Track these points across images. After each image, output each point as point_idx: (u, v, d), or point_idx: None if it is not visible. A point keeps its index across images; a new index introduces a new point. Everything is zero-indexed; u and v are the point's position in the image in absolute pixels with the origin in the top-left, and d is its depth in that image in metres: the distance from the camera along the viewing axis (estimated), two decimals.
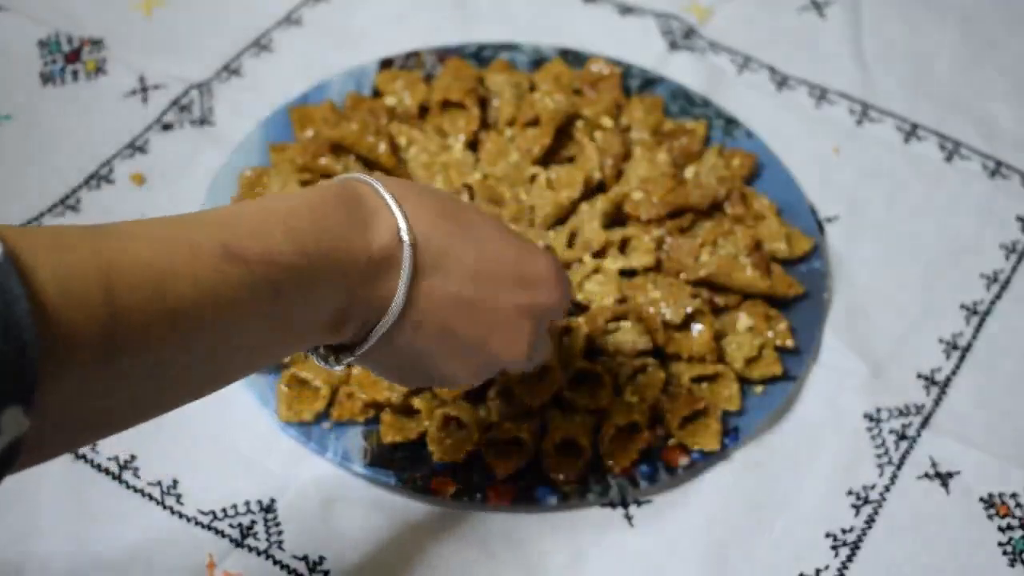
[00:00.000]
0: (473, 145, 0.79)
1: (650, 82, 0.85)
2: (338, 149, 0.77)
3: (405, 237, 0.48)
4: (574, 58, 0.86)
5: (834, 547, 0.65)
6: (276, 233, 0.45)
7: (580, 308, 0.72)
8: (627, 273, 0.73)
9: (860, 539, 0.65)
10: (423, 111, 0.81)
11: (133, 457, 0.66)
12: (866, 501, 0.67)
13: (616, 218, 0.76)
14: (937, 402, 0.71)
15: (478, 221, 0.53)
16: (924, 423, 0.70)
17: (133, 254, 0.40)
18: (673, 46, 0.89)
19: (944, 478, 0.68)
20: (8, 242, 0.36)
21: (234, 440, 0.67)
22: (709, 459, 0.67)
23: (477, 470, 0.66)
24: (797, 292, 0.73)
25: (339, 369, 0.51)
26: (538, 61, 0.86)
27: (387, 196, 0.49)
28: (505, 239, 0.53)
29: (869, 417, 0.70)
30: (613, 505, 0.66)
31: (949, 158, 0.84)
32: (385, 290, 0.48)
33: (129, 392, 0.41)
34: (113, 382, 0.40)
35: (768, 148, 0.81)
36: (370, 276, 0.48)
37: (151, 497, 0.65)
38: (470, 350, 0.53)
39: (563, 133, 0.79)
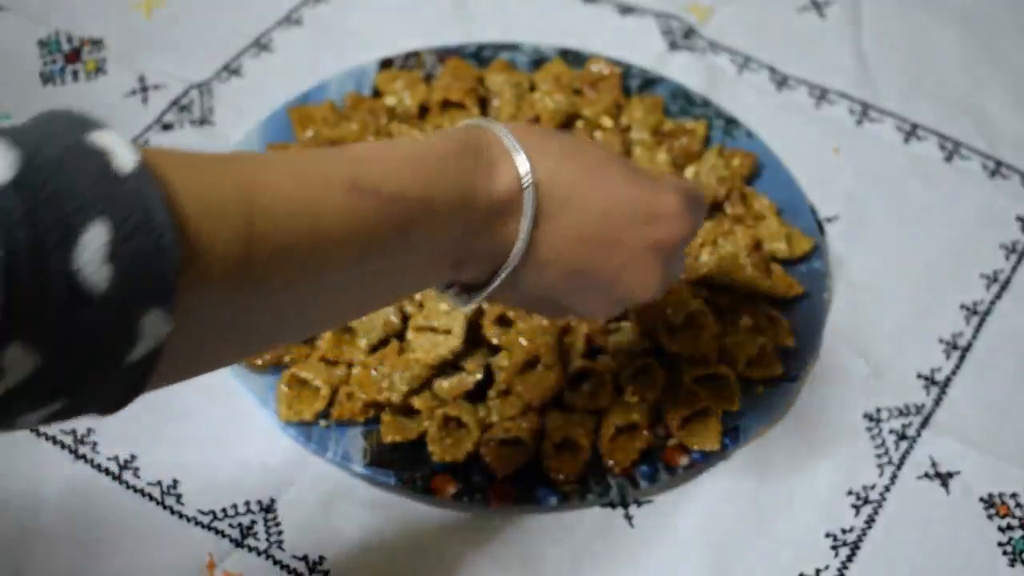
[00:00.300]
0: None
1: (650, 82, 0.85)
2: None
3: (527, 181, 0.48)
4: (574, 58, 0.86)
5: (834, 547, 0.65)
6: (403, 172, 0.45)
7: None
8: None
9: (860, 539, 0.65)
10: (423, 111, 0.81)
11: (133, 457, 0.66)
12: (866, 501, 0.67)
13: None
14: (937, 402, 0.71)
15: (604, 161, 0.52)
16: (924, 423, 0.70)
17: (269, 182, 0.41)
18: (673, 46, 0.89)
19: (944, 478, 0.68)
20: (144, 155, 0.37)
21: (234, 440, 0.67)
22: (709, 459, 0.67)
23: (477, 470, 0.66)
24: (797, 292, 0.73)
25: (469, 308, 0.52)
26: (538, 61, 0.86)
27: (511, 141, 0.49)
28: (631, 178, 0.53)
29: (869, 417, 0.70)
30: (613, 505, 0.66)
31: (949, 158, 0.84)
32: (507, 233, 0.49)
33: (261, 316, 0.42)
34: (247, 304, 0.41)
35: (768, 148, 0.81)
36: (492, 219, 0.48)
37: (151, 497, 0.65)
38: (600, 288, 0.53)
39: None
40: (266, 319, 0.43)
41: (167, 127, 0.82)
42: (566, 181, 0.50)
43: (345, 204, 0.43)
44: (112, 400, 0.39)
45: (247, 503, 0.65)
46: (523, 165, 0.48)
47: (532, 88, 0.82)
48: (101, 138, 0.36)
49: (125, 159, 0.36)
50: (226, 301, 0.40)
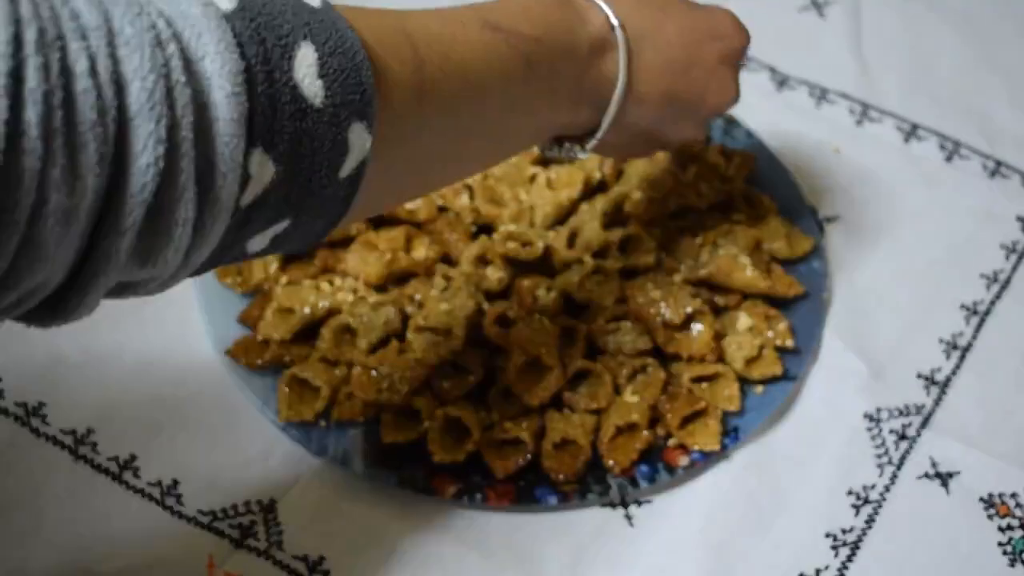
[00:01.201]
0: None
1: None
2: None
3: (615, 22, 0.56)
4: None
5: (834, 547, 0.65)
6: (519, 16, 0.52)
7: (580, 308, 0.72)
8: (627, 273, 0.73)
9: (860, 539, 0.65)
10: None
11: (133, 457, 0.66)
12: (866, 501, 0.67)
13: (616, 218, 0.76)
14: (937, 402, 0.71)
15: None
16: (924, 423, 0.70)
17: (419, 22, 0.48)
18: None
19: (944, 478, 0.68)
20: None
21: (234, 440, 0.67)
22: (709, 459, 0.67)
23: (477, 470, 0.66)
24: (797, 292, 0.73)
25: (584, 156, 0.60)
26: None
27: None
28: (690, 7, 0.63)
29: (869, 417, 0.70)
30: (613, 505, 0.66)
31: (949, 158, 0.84)
32: (608, 69, 0.57)
33: (435, 142, 0.49)
34: (424, 128, 0.47)
35: (768, 148, 0.81)
36: (593, 57, 0.56)
37: (151, 497, 0.65)
38: (690, 107, 0.62)
39: None
40: (439, 146, 0.50)
41: None
42: (644, 18, 0.58)
43: (480, 37, 0.50)
44: (329, 214, 0.44)
45: (247, 503, 0.65)
46: (608, 9, 0.56)
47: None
48: None
49: None
50: (408, 123, 0.46)
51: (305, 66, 0.39)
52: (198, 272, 0.42)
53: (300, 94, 0.39)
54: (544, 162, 0.78)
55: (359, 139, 0.42)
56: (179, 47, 0.36)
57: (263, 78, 0.38)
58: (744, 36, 0.65)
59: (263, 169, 0.39)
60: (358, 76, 0.41)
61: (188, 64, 0.36)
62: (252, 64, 0.38)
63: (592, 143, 0.59)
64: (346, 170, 0.42)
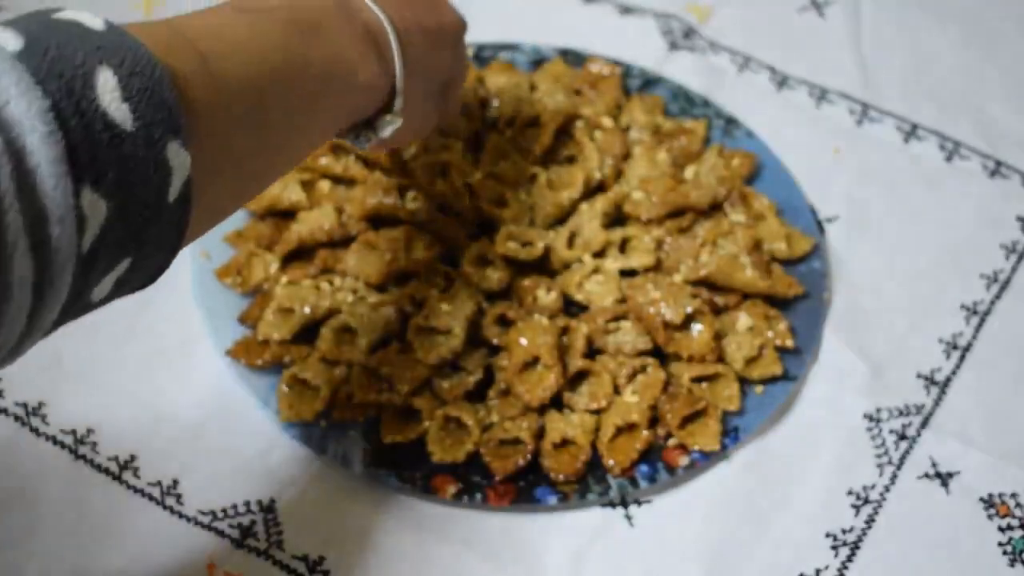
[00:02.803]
0: (473, 145, 0.79)
1: (650, 82, 0.85)
2: (338, 149, 0.77)
3: (386, 24, 0.56)
4: (574, 58, 0.86)
5: (834, 547, 0.65)
6: (267, 2, 0.51)
7: (580, 308, 0.72)
8: (627, 273, 0.73)
9: (860, 539, 0.65)
10: None
11: (133, 457, 0.66)
12: (866, 501, 0.67)
13: (616, 218, 0.76)
14: (937, 402, 0.71)
15: None
16: (924, 423, 0.70)
17: (187, 22, 0.46)
18: (673, 46, 0.89)
19: (944, 478, 0.68)
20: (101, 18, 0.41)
21: (234, 440, 0.67)
22: (709, 459, 0.67)
23: (477, 470, 0.66)
24: (797, 292, 0.73)
25: (393, 126, 0.59)
26: (538, 61, 0.86)
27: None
28: None
29: (869, 417, 0.70)
30: (613, 505, 0.66)
31: (949, 158, 0.84)
32: (372, 21, 0.56)
33: (250, 135, 0.47)
34: (232, 126, 0.46)
35: (768, 148, 0.81)
36: (368, 39, 0.55)
37: (151, 497, 0.65)
38: (437, 33, 0.62)
39: (563, 133, 0.79)
40: (256, 137, 0.48)
41: None
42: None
43: (239, 19, 0.48)
44: (164, 251, 0.42)
45: (247, 503, 0.65)
46: (376, 9, 0.56)
47: (532, 88, 0.82)
48: (65, 14, 0.40)
49: (94, 20, 0.40)
50: (216, 125, 0.44)
51: (109, 90, 0.38)
52: (45, 335, 0.39)
53: (111, 121, 0.38)
54: (544, 162, 0.78)
55: (177, 157, 0.40)
56: None
57: (72, 111, 0.36)
58: (461, 21, 0.66)
59: (96, 207, 0.37)
60: (161, 92, 0.40)
61: None
62: (57, 100, 0.36)
63: (398, 105, 0.58)
64: (173, 192, 0.41)
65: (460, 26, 0.66)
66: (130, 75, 0.39)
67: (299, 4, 0.52)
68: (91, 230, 0.37)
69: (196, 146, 0.42)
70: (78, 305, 0.40)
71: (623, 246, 0.74)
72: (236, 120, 0.46)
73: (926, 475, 0.68)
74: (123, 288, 0.42)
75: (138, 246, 0.40)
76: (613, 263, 0.73)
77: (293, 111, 0.51)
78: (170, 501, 0.65)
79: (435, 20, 0.62)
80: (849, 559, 0.65)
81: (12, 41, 0.36)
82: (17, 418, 0.67)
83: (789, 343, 0.71)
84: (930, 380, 0.72)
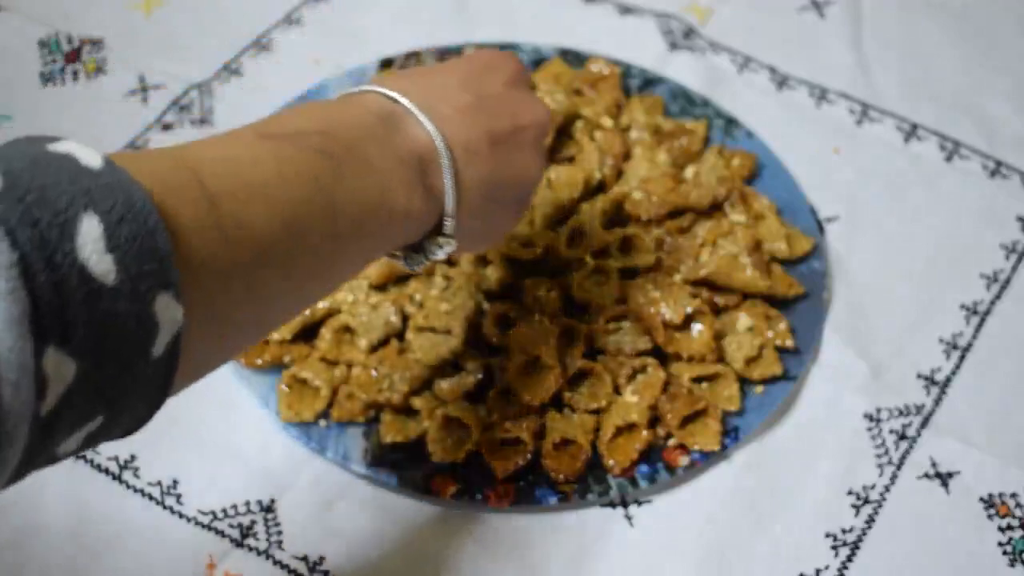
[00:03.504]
0: None
1: (650, 82, 0.85)
2: None
3: (438, 142, 0.51)
4: (574, 58, 0.86)
5: (834, 547, 0.65)
6: (294, 118, 0.48)
7: (580, 308, 0.72)
8: (627, 273, 0.73)
9: (860, 539, 0.65)
10: None
11: (133, 457, 0.66)
12: (866, 501, 0.67)
13: (616, 218, 0.76)
14: (937, 402, 0.71)
15: (456, 86, 0.55)
16: (924, 423, 0.70)
17: (201, 153, 0.42)
18: (673, 46, 0.89)
19: (944, 478, 0.68)
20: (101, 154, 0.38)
21: (234, 440, 0.67)
22: (709, 459, 0.67)
23: (477, 470, 0.66)
24: (797, 292, 0.73)
25: (444, 252, 0.53)
26: (538, 61, 0.86)
27: (406, 102, 0.51)
28: (488, 93, 0.55)
29: (869, 417, 0.70)
30: (613, 505, 0.66)
31: (949, 158, 0.84)
32: (436, 181, 0.51)
33: (259, 282, 0.43)
34: (236, 275, 0.41)
35: (768, 148, 0.81)
36: (397, 133, 0.50)
37: (151, 497, 0.65)
38: (511, 189, 0.56)
39: (563, 133, 0.79)
40: (266, 285, 0.44)
41: (167, 127, 0.82)
42: (459, 128, 0.52)
43: (264, 148, 0.44)
44: (145, 405, 0.39)
45: (247, 503, 0.65)
46: (429, 125, 0.50)
47: (532, 88, 0.82)
48: (61, 146, 0.37)
49: (91, 157, 0.37)
50: (220, 275, 0.40)
51: (91, 240, 0.34)
52: (8, 484, 0.36)
53: (88, 274, 0.34)
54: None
55: (167, 311, 0.37)
56: None
57: (43, 265, 0.33)
58: (545, 113, 0.58)
59: (61, 368, 0.34)
60: (153, 241, 0.36)
61: None
62: (27, 251, 0.33)
63: (448, 228, 0.52)
64: (159, 348, 0.37)
65: (542, 125, 0.57)
66: (119, 222, 0.35)
67: (335, 126, 0.48)
68: (54, 391, 0.34)
69: (191, 300, 0.38)
70: (40, 459, 0.36)
71: (623, 246, 0.74)
72: (243, 272, 0.42)
73: (926, 475, 0.68)
74: (96, 442, 0.39)
75: (112, 405, 0.37)
76: (613, 263, 0.73)
77: (312, 259, 0.46)
78: (170, 501, 0.65)
79: (509, 123, 0.55)
80: (849, 559, 0.65)
81: None
82: None
83: (789, 343, 0.71)
84: (930, 380, 0.72)
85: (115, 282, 0.35)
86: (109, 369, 0.36)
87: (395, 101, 0.50)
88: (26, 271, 0.32)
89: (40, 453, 0.36)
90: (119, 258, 0.35)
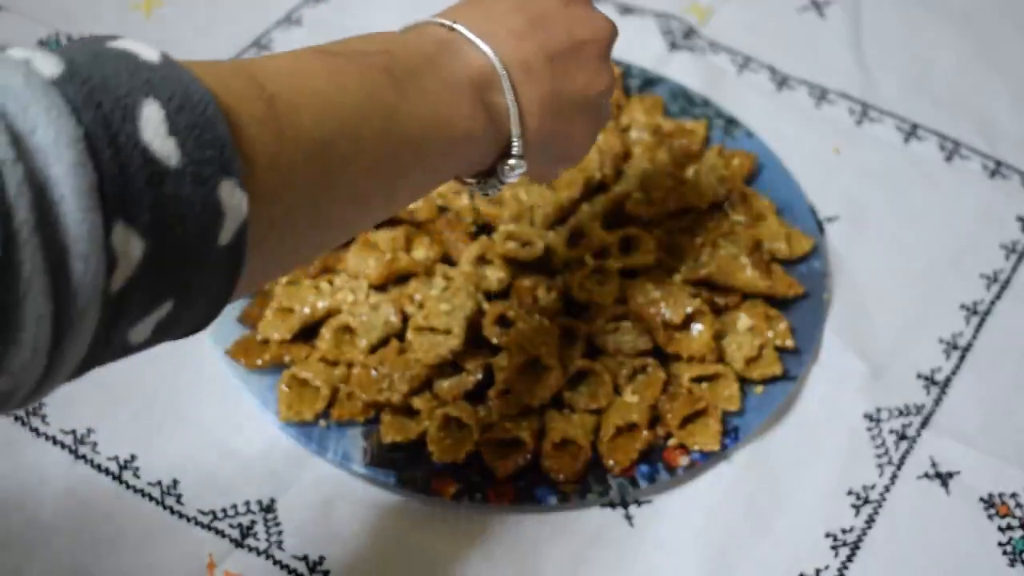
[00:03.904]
0: None
1: (650, 82, 0.85)
2: None
3: (497, 64, 0.51)
4: None
5: (834, 547, 0.65)
6: (356, 41, 0.49)
7: (580, 308, 0.72)
8: (627, 273, 0.73)
9: (860, 539, 0.65)
10: None
11: (133, 457, 0.66)
12: (866, 501, 0.67)
13: (616, 218, 0.76)
14: (937, 402, 0.71)
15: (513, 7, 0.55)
16: (924, 423, 0.70)
17: (262, 63, 0.43)
18: (673, 46, 0.89)
19: (944, 478, 0.68)
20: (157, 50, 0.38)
21: (234, 440, 0.67)
22: (709, 459, 0.67)
23: (477, 470, 0.66)
24: (797, 292, 0.73)
25: (514, 177, 0.54)
26: None
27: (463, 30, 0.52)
28: (557, 15, 0.56)
29: (869, 417, 0.70)
30: (613, 505, 0.66)
31: (949, 158, 0.84)
32: (497, 99, 0.52)
33: (317, 186, 0.43)
34: (297, 173, 0.42)
35: (768, 148, 0.81)
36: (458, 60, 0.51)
37: (151, 497, 0.65)
38: (578, 103, 0.56)
39: None
40: (324, 190, 0.44)
41: None
42: (513, 46, 0.53)
43: (324, 63, 0.45)
44: (213, 297, 0.39)
45: (247, 503, 0.65)
46: (485, 47, 0.51)
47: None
48: (121, 43, 0.38)
49: (149, 53, 0.38)
50: (280, 170, 0.41)
51: (153, 124, 0.35)
52: (77, 374, 0.37)
53: (152, 156, 0.35)
54: None
55: (232, 198, 0.37)
56: (3, 122, 0.32)
57: (107, 143, 0.34)
58: (608, 26, 0.58)
59: (130, 245, 0.34)
60: (213, 129, 0.37)
61: (17, 139, 0.32)
62: (91, 130, 0.33)
63: (516, 149, 0.53)
64: (226, 236, 0.37)
65: (602, 38, 0.57)
66: (179, 110, 0.36)
67: (393, 48, 0.49)
68: (123, 270, 0.34)
69: (254, 192, 0.39)
70: (112, 347, 0.37)
71: (623, 246, 0.74)
72: (304, 172, 0.42)
73: (926, 475, 0.68)
74: (166, 333, 0.39)
75: (181, 291, 0.37)
76: (613, 263, 0.73)
77: (373, 169, 0.46)
78: (170, 501, 0.65)
79: (567, 39, 0.55)
80: (849, 559, 0.65)
81: (51, 67, 0.34)
82: (17, 418, 0.67)
83: (789, 343, 0.71)
84: (930, 380, 0.72)
85: (178, 164, 0.35)
86: (176, 251, 0.36)
87: (451, 29, 0.51)
88: (91, 148, 0.33)
89: (113, 334, 0.36)
90: (181, 142, 0.36)
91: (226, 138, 0.37)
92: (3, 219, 0.30)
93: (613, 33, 0.58)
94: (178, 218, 0.36)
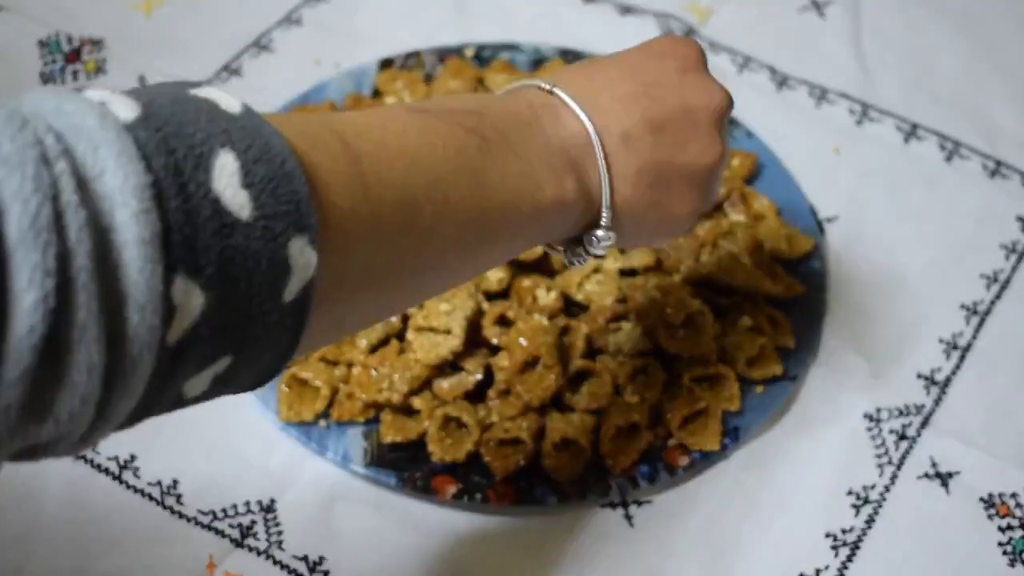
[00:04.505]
0: None
1: None
2: None
3: (591, 131, 0.50)
4: (574, 58, 0.86)
5: (834, 547, 0.65)
6: (446, 100, 0.48)
7: (580, 308, 0.72)
8: (627, 273, 0.73)
9: (860, 539, 0.65)
10: None
11: (133, 457, 0.66)
12: (866, 501, 0.67)
13: None
14: (937, 402, 0.71)
15: (623, 73, 0.53)
16: (924, 423, 0.70)
17: (348, 119, 0.43)
18: None
19: (944, 478, 0.68)
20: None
21: (234, 440, 0.67)
22: (709, 459, 0.67)
23: (477, 470, 0.66)
24: (797, 292, 0.73)
25: (603, 250, 0.52)
26: (538, 61, 0.86)
27: (563, 95, 0.50)
28: (667, 79, 0.53)
29: (869, 417, 0.70)
30: (613, 505, 0.66)
31: (949, 158, 0.84)
32: (590, 171, 0.50)
33: (395, 247, 0.42)
34: (376, 233, 0.41)
35: (768, 148, 0.81)
36: (569, 151, 0.49)
37: (151, 497, 0.65)
38: (680, 176, 0.53)
39: None
40: (401, 251, 0.43)
41: None
42: (620, 116, 0.51)
43: (412, 120, 0.44)
44: (273, 354, 0.38)
45: (247, 503, 0.65)
46: (581, 114, 0.50)
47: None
48: (203, 91, 0.37)
49: (231, 103, 0.37)
50: (357, 229, 0.40)
51: (227, 175, 0.35)
52: (127, 425, 0.36)
53: (223, 207, 0.34)
54: None
55: (301, 255, 0.36)
56: (71, 164, 0.31)
57: (176, 191, 0.33)
58: (723, 96, 0.55)
59: (190, 298, 0.33)
60: (290, 184, 0.36)
61: (83, 183, 0.31)
62: (161, 177, 0.33)
63: (604, 220, 0.51)
64: (290, 293, 0.37)
65: (717, 107, 0.54)
66: (255, 161, 0.35)
67: (488, 109, 0.48)
68: (181, 322, 0.34)
69: (328, 251, 0.38)
70: (166, 399, 0.36)
71: None
72: (385, 233, 0.41)
73: (926, 475, 0.68)
74: (224, 387, 0.38)
75: (241, 346, 0.36)
76: (613, 263, 0.73)
77: (457, 234, 0.45)
78: (170, 501, 0.65)
79: (677, 107, 0.52)
80: (849, 559, 0.65)
81: (127, 110, 0.34)
82: None
83: (789, 343, 0.71)
84: (930, 380, 0.72)
85: (249, 218, 0.35)
86: (238, 305, 0.35)
87: (550, 92, 0.50)
88: (159, 195, 0.32)
89: (168, 387, 0.35)
90: (254, 195, 0.35)
91: (303, 193, 0.36)
92: (61, 262, 0.30)
93: (728, 103, 0.55)
94: (244, 272, 0.35)
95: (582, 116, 0.50)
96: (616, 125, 0.50)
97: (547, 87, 0.50)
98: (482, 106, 0.48)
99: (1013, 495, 0.67)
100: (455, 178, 0.44)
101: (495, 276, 0.72)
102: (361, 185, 0.40)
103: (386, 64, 0.84)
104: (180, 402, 0.37)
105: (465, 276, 0.50)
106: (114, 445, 0.66)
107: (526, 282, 0.72)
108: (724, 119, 0.55)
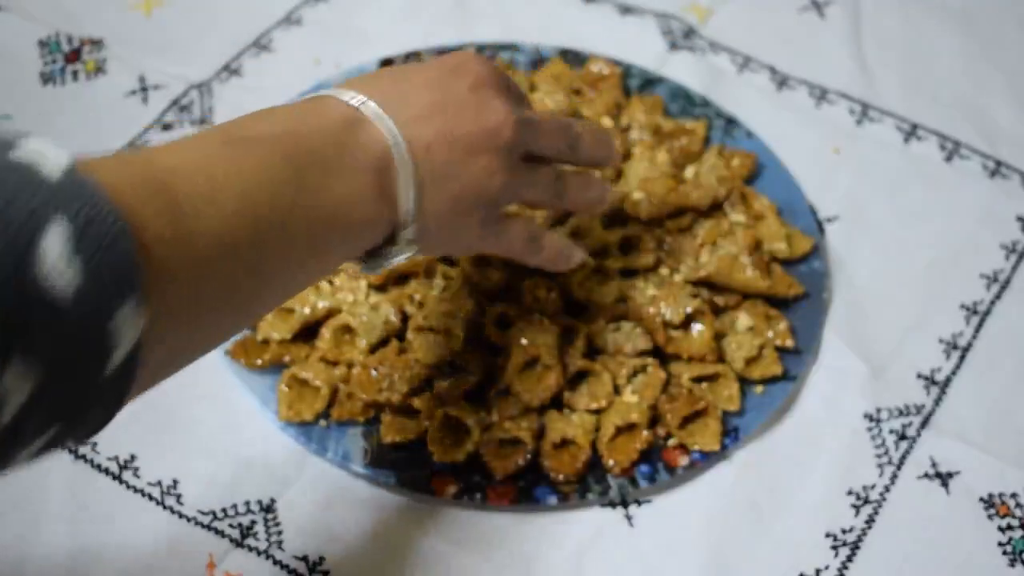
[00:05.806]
0: None
1: (650, 82, 0.85)
2: None
3: (396, 148, 0.52)
4: (574, 58, 0.86)
5: (834, 547, 0.65)
6: (262, 119, 0.50)
7: (580, 308, 0.72)
8: (627, 273, 0.73)
9: (860, 539, 0.65)
10: None
11: (133, 457, 0.66)
12: (866, 501, 0.67)
13: (616, 218, 0.76)
14: (937, 402, 0.71)
15: (423, 84, 0.55)
16: (924, 423, 0.70)
17: (158, 152, 0.44)
18: (673, 46, 0.89)
19: (944, 478, 0.68)
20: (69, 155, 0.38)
21: (234, 440, 0.67)
22: (709, 459, 0.67)
23: (477, 470, 0.66)
24: (797, 292, 0.73)
25: (404, 255, 0.54)
26: (538, 61, 0.86)
27: (369, 108, 0.52)
28: (466, 104, 0.55)
29: (869, 417, 0.70)
30: (613, 505, 0.66)
31: (949, 158, 0.84)
32: (393, 185, 0.52)
33: (222, 283, 0.44)
34: (202, 277, 0.43)
35: (768, 148, 0.81)
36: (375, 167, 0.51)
37: (151, 497, 0.65)
38: (470, 197, 0.56)
39: None
40: (230, 286, 0.45)
41: (167, 127, 0.82)
42: (421, 129, 0.53)
43: (224, 153, 0.46)
44: (101, 415, 0.40)
45: (247, 503, 0.65)
46: (387, 130, 0.52)
47: (532, 88, 0.82)
48: (25, 153, 0.37)
49: (56, 161, 0.37)
50: (183, 279, 0.41)
51: (56, 251, 0.35)
52: None
53: (50, 288, 0.34)
54: None
55: (126, 324, 0.37)
56: None
57: (3, 280, 0.33)
58: (502, 119, 0.56)
59: (22, 380, 0.34)
60: (119, 244, 0.37)
61: None
62: None
63: (411, 233, 0.53)
64: (117, 360, 0.37)
65: (500, 132, 0.56)
66: (88, 223, 0.36)
67: (298, 129, 0.49)
68: (10, 408, 0.34)
69: (155, 302, 0.39)
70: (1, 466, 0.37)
71: (623, 246, 0.74)
72: (205, 274, 0.43)
73: (926, 475, 0.68)
74: (55, 446, 0.39)
75: (69, 416, 0.37)
76: (613, 263, 0.73)
77: (274, 262, 0.47)
78: (170, 501, 0.65)
79: (473, 126, 0.55)
80: (849, 559, 0.65)
81: None
82: None
83: (789, 343, 0.71)
84: (930, 380, 0.72)
85: (82, 285, 0.35)
86: (65, 382, 0.36)
87: (359, 110, 0.52)
88: None
89: (2, 461, 0.36)
90: (86, 259, 0.36)
91: (132, 253, 0.37)
92: None
93: (507, 125, 0.56)
94: (71, 350, 0.36)
95: (388, 131, 0.51)
96: (421, 139, 0.53)
97: (356, 104, 0.52)
98: (297, 125, 0.50)
99: (1013, 495, 0.67)
100: (271, 215, 0.46)
101: (495, 276, 0.72)
102: (185, 229, 0.41)
103: (386, 64, 0.84)
104: (16, 466, 0.38)
105: (287, 295, 0.52)
106: (114, 445, 0.66)
107: (526, 282, 0.72)
108: (511, 146, 0.57)
